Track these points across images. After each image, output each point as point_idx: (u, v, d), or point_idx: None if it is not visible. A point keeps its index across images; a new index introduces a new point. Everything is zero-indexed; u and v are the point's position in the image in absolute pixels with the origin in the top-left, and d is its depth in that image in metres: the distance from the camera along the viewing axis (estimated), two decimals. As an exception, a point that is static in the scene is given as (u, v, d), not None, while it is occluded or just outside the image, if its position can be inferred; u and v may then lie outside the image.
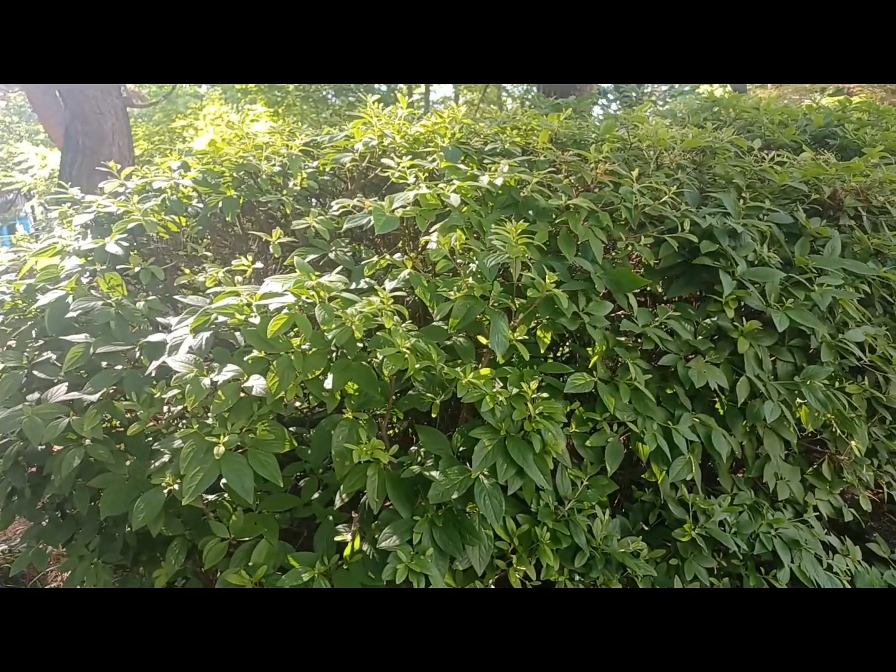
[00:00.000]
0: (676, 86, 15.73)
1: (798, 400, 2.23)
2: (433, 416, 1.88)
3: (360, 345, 1.81)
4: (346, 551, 1.75)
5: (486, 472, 1.72)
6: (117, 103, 6.51)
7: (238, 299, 1.75)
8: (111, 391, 1.95)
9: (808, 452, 2.60)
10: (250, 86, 11.67)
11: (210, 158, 2.67)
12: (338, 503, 1.87)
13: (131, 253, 2.27)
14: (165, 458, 1.82)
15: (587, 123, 3.07)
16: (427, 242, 1.99)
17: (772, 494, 2.31)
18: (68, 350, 1.92)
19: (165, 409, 1.89)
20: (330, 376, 1.77)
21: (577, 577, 1.95)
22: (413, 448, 1.96)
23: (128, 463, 1.91)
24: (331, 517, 1.90)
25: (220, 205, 2.37)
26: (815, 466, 2.51)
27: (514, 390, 1.79)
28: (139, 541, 2.01)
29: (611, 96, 15.73)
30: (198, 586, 1.98)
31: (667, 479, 2.07)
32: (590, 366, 2.11)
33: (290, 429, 2.15)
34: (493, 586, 1.88)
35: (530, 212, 2.20)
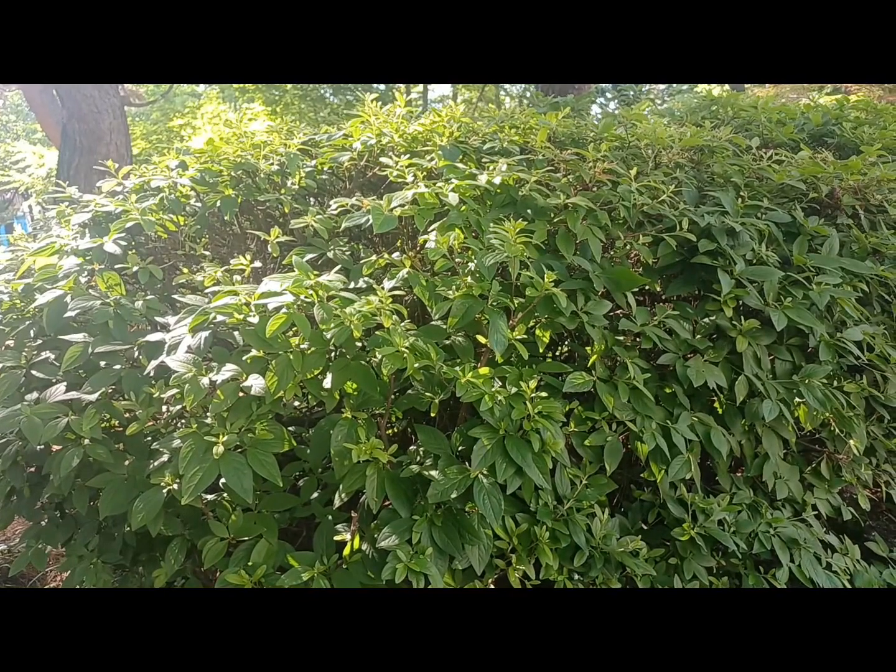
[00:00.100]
0: (674, 85, 15.73)
1: (797, 399, 2.23)
2: (432, 415, 1.88)
3: (359, 344, 1.81)
4: (346, 551, 1.75)
5: (485, 472, 1.72)
6: (115, 102, 6.50)
7: (236, 299, 1.75)
8: (110, 391, 1.95)
9: (807, 451, 2.61)
10: (248, 85, 11.66)
11: (208, 157, 2.67)
12: (337, 503, 1.87)
13: (129, 252, 2.27)
14: (164, 458, 1.82)
15: (585, 122, 3.07)
16: (425, 241, 1.99)
17: (770, 493, 2.32)
18: (66, 349, 1.91)
19: (164, 408, 1.89)
20: (329, 376, 1.77)
21: (576, 577, 1.95)
22: (412, 447, 1.96)
23: (127, 463, 1.90)
24: (330, 517, 1.90)
25: (218, 204, 2.36)
26: (813, 465, 2.52)
27: (513, 389, 1.79)
28: (138, 540, 2.01)
29: (609, 95, 15.74)
30: (197, 586, 1.98)
31: (666, 478, 2.07)
32: (588, 365, 2.11)
33: (290, 428, 2.15)
34: (492, 586, 1.88)
35: (529, 211, 2.20)
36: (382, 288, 1.80)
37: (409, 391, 1.96)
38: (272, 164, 2.58)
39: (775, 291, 2.25)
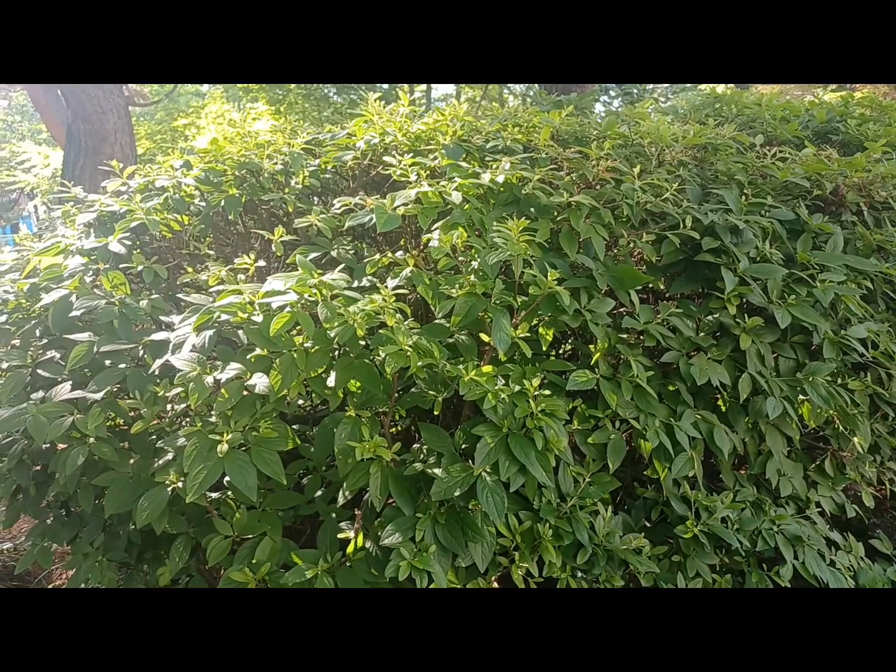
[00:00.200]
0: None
1: (800, 396, 2.23)
2: (435, 413, 1.89)
3: (363, 343, 1.81)
4: (349, 548, 1.76)
5: (488, 470, 1.72)
6: (119, 102, 6.53)
7: (241, 298, 1.75)
8: (115, 389, 1.96)
9: (811, 449, 2.60)
10: (252, 84, 11.67)
11: (212, 157, 2.67)
12: (341, 501, 1.87)
13: (134, 252, 2.28)
14: (169, 456, 1.83)
15: (589, 120, 3.07)
16: (429, 240, 1.99)
17: (774, 491, 2.32)
18: (72, 349, 1.92)
19: (169, 407, 1.90)
20: (332, 374, 1.78)
21: (579, 574, 1.95)
22: (415, 445, 1.96)
23: (132, 461, 1.91)
24: (334, 514, 1.91)
25: (222, 203, 2.37)
26: (817, 463, 2.51)
27: (517, 387, 1.79)
28: (143, 538, 2.02)
29: (612, 93, 15.70)
30: (201, 584, 1.99)
31: (669, 476, 2.08)
32: (592, 363, 2.11)
33: (293, 427, 2.15)
34: (495, 583, 1.89)
35: (532, 209, 2.20)
36: (386, 286, 1.81)
37: (413, 389, 1.96)
38: (276, 163, 2.59)
39: (779, 289, 2.25)
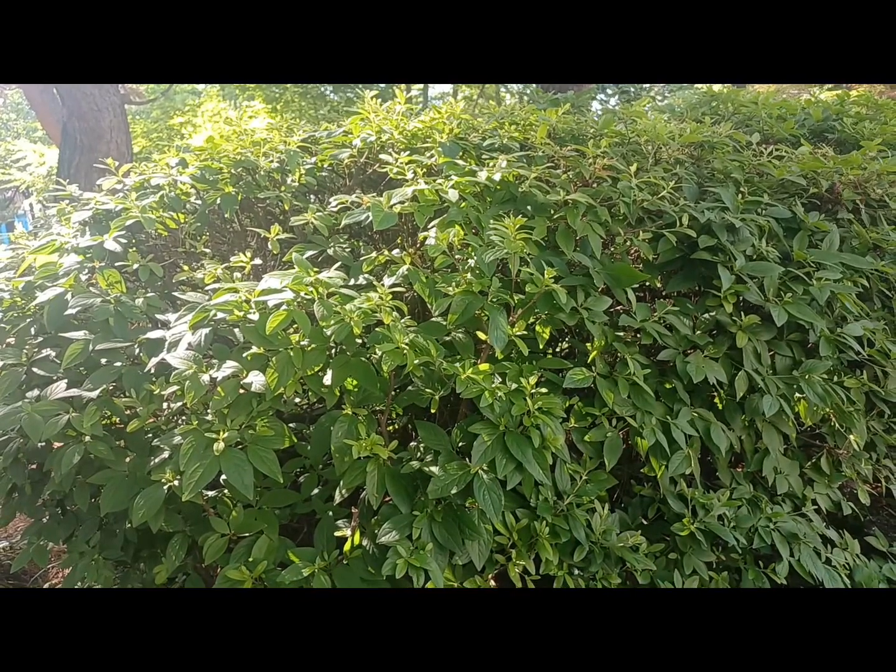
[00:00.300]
0: (675, 81, 15.67)
1: (797, 394, 2.23)
2: (432, 411, 1.89)
3: (359, 341, 1.81)
4: (346, 546, 1.76)
5: (485, 467, 1.72)
6: (115, 100, 6.50)
7: (237, 296, 1.75)
8: (111, 388, 1.96)
9: (807, 446, 2.61)
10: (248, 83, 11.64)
11: (208, 155, 2.67)
12: (337, 499, 1.87)
13: (130, 250, 2.27)
14: (165, 455, 1.82)
15: (586, 118, 3.06)
16: (425, 238, 1.99)
17: (770, 488, 2.32)
18: (67, 347, 1.92)
19: (165, 405, 1.90)
20: (329, 372, 1.78)
21: (576, 572, 1.95)
22: (412, 444, 1.96)
23: (127, 459, 1.91)
24: (331, 513, 1.91)
25: (218, 201, 2.36)
26: (813, 460, 2.52)
27: (513, 385, 1.79)
28: (140, 537, 2.02)
29: (609, 91, 15.70)
30: (198, 582, 1.99)
31: (666, 474, 2.08)
32: (588, 361, 2.11)
33: (290, 425, 2.15)
34: (492, 581, 1.89)
35: (529, 207, 2.20)
36: (382, 285, 1.80)
37: (410, 387, 1.96)
38: (272, 161, 2.58)
39: (775, 287, 2.25)
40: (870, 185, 2.71)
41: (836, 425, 2.41)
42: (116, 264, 2.21)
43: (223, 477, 1.64)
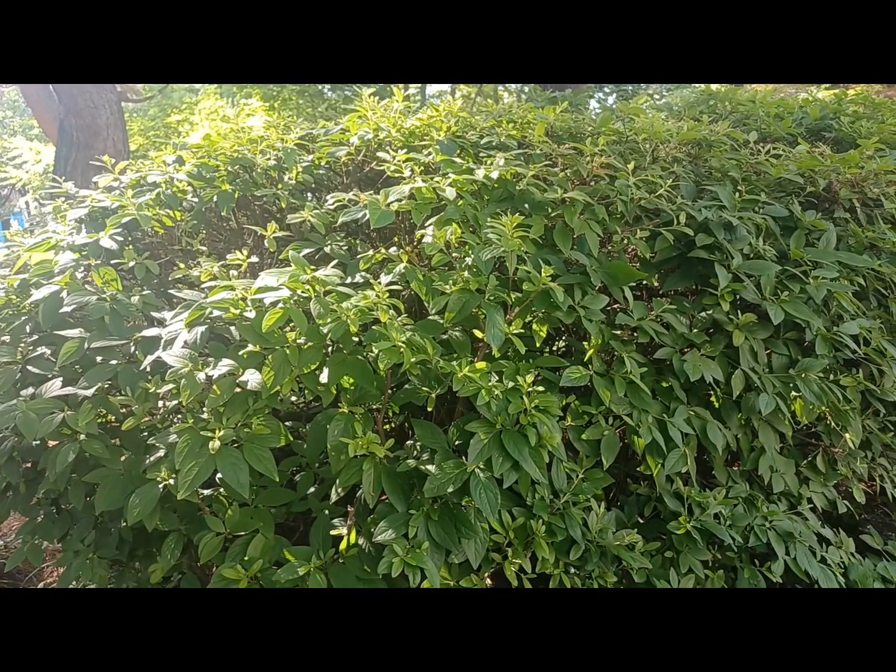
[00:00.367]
0: (673, 79, 15.65)
1: (793, 393, 2.24)
2: (429, 409, 1.89)
3: (356, 339, 1.80)
4: (342, 545, 1.75)
5: (481, 466, 1.72)
6: (112, 98, 6.48)
7: (233, 294, 1.74)
8: (106, 386, 1.95)
9: (803, 445, 2.61)
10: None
11: (205, 152, 2.66)
12: (334, 497, 1.87)
13: (126, 247, 2.27)
14: (160, 453, 1.81)
15: (583, 116, 3.07)
16: (423, 236, 1.98)
17: (766, 487, 2.32)
18: (62, 345, 1.91)
19: (160, 403, 1.89)
20: (325, 370, 1.77)
21: (572, 571, 1.95)
22: (409, 442, 1.96)
23: (123, 458, 1.90)
24: (327, 511, 1.90)
25: (215, 199, 2.36)
26: (809, 459, 2.52)
27: (510, 384, 1.79)
28: (135, 536, 2.01)
29: (607, 90, 15.67)
30: (193, 581, 1.98)
31: (662, 472, 2.08)
32: (585, 359, 2.11)
33: (286, 423, 2.15)
34: (488, 580, 1.89)
35: (526, 205, 2.20)
36: (379, 283, 1.80)
37: (406, 386, 1.96)
38: (269, 158, 2.58)
39: (772, 285, 2.25)
40: (867, 185, 2.72)
41: (832, 424, 2.41)
42: (112, 262, 2.20)
43: (219, 475, 1.63)
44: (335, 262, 2.08)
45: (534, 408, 1.77)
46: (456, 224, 1.94)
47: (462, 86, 15.65)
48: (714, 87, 4.45)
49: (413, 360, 1.67)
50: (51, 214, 2.77)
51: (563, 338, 2.56)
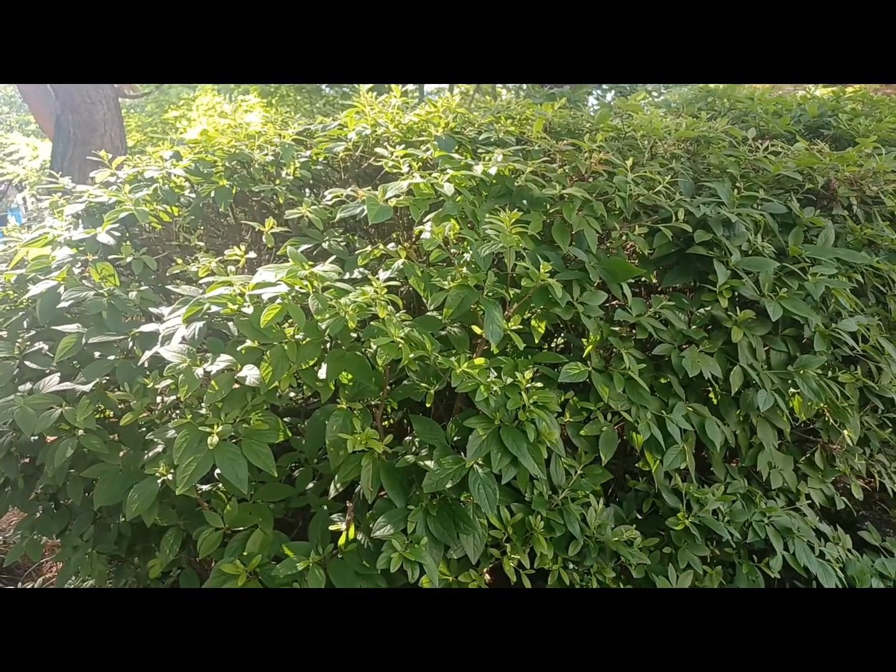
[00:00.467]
0: (671, 77, 15.62)
1: (791, 389, 2.24)
2: (427, 405, 1.88)
3: (354, 335, 1.80)
4: (341, 540, 1.75)
5: (480, 462, 1.72)
6: (109, 93, 6.46)
7: (231, 289, 1.74)
8: (104, 381, 1.95)
9: (801, 441, 2.62)
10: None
11: (202, 148, 2.65)
12: (332, 493, 1.87)
13: (123, 243, 2.26)
14: (159, 449, 1.81)
15: (582, 113, 3.06)
16: (421, 232, 1.98)
17: (765, 483, 2.33)
18: (60, 340, 1.91)
19: (159, 399, 1.89)
20: (324, 366, 1.77)
21: (570, 566, 1.96)
22: (407, 438, 1.96)
23: (121, 453, 1.90)
24: (325, 507, 1.90)
25: (212, 194, 2.35)
26: (807, 455, 2.53)
27: (509, 380, 1.79)
28: (133, 531, 2.01)
29: (605, 87, 15.67)
30: (192, 576, 1.98)
31: (660, 468, 2.08)
32: (584, 355, 2.11)
33: (285, 419, 2.15)
34: (487, 575, 1.89)
35: (524, 201, 2.20)
36: (378, 279, 1.80)
37: (405, 382, 1.96)
38: (267, 154, 2.57)
39: (771, 282, 2.25)
40: (865, 182, 2.72)
41: (831, 420, 2.42)
42: (110, 257, 2.20)
43: (217, 471, 1.63)
44: (333, 257, 2.08)
45: (532, 404, 1.77)
46: (454, 220, 1.94)
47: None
48: (712, 84, 4.45)
49: (411, 356, 1.67)
50: (48, 210, 2.76)
51: (562, 334, 2.56)
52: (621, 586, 2.00)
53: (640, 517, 2.24)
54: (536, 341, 2.07)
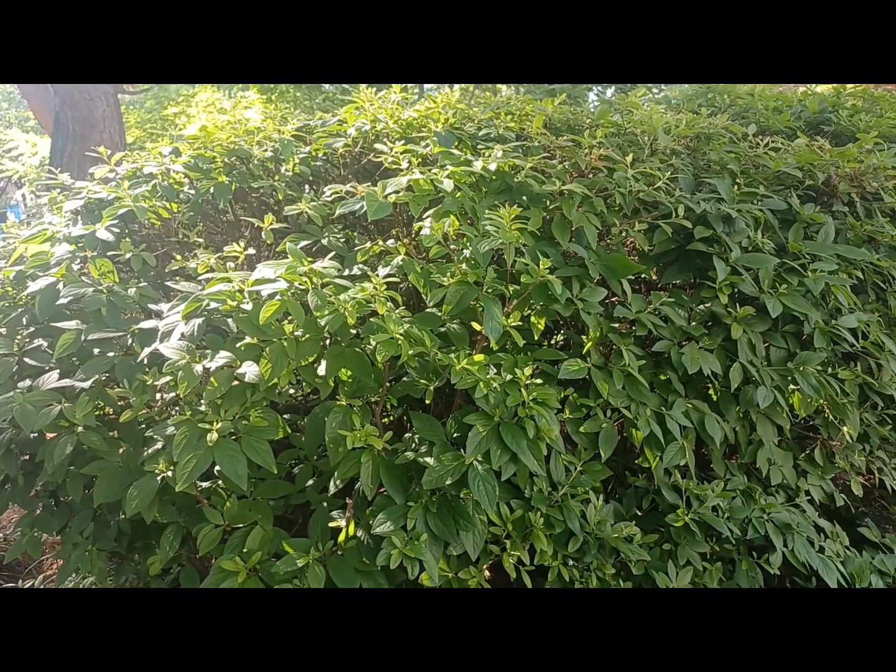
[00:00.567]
0: (672, 72, 15.59)
1: (791, 386, 2.24)
2: (427, 402, 1.88)
3: (354, 331, 1.80)
4: (341, 537, 1.75)
5: (479, 458, 1.72)
6: (108, 90, 6.44)
7: (230, 285, 1.74)
8: (103, 378, 1.94)
9: (801, 438, 2.62)
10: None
11: (201, 144, 2.64)
12: (332, 490, 1.87)
13: (122, 239, 2.25)
14: (158, 445, 1.81)
15: (582, 109, 3.06)
16: (420, 228, 1.98)
17: (764, 480, 2.33)
18: (59, 337, 1.90)
19: (158, 395, 1.89)
20: (323, 363, 1.77)
21: (570, 563, 1.96)
22: (407, 435, 1.96)
23: (121, 450, 1.90)
24: (325, 503, 1.90)
25: (211, 191, 2.34)
26: (807, 452, 2.53)
27: (508, 376, 1.79)
28: (133, 528, 2.01)
29: (606, 83, 15.63)
30: (192, 573, 1.98)
31: (660, 465, 2.08)
32: (584, 352, 2.11)
33: (284, 416, 2.14)
34: (486, 571, 1.89)
35: (524, 197, 2.19)
36: (377, 275, 1.79)
37: (404, 378, 1.95)
38: (266, 150, 2.56)
39: (770, 278, 2.25)
40: (865, 178, 2.71)
41: (830, 417, 2.42)
42: (109, 254, 2.19)
43: (217, 468, 1.63)
44: (333, 254, 2.08)
45: (532, 400, 1.77)
46: (454, 216, 1.94)
47: (460, 79, 15.59)
48: (713, 80, 4.44)
49: (411, 352, 1.67)
50: (47, 206, 2.75)
51: (562, 330, 2.56)
52: (621, 583, 2.01)
53: (639, 514, 2.24)
54: (536, 338, 2.07)
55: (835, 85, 4.56)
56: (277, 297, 1.65)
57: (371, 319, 1.69)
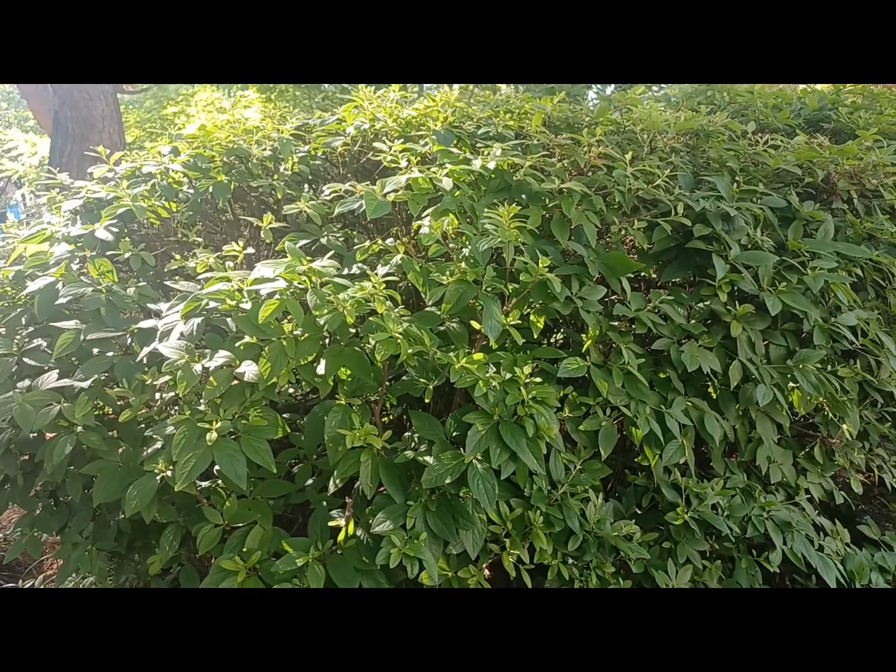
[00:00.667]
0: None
1: (790, 383, 2.24)
2: (426, 401, 1.88)
3: (353, 330, 1.80)
4: (340, 536, 1.75)
5: (479, 457, 1.72)
6: (107, 89, 6.44)
7: (229, 285, 1.73)
8: (102, 378, 1.94)
9: (801, 436, 2.62)
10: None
11: (200, 143, 2.64)
12: (332, 489, 1.87)
13: (121, 239, 2.25)
14: (158, 445, 1.81)
15: (581, 107, 3.05)
16: (419, 227, 1.98)
17: (764, 478, 2.33)
18: (58, 337, 1.90)
19: (157, 395, 1.89)
20: (322, 362, 1.77)
21: (570, 561, 1.96)
22: (407, 433, 1.96)
23: (120, 450, 1.90)
24: (325, 503, 1.90)
25: (210, 190, 2.34)
26: (807, 450, 2.52)
27: (508, 375, 1.79)
28: (133, 528, 2.01)
29: (605, 81, 15.62)
30: (192, 573, 1.99)
31: (660, 463, 2.08)
32: (583, 350, 2.11)
33: (284, 415, 2.14)
34: (486, 570, 1.89)
35: (523, 196, 2.19)
36: (376, 274, 1.79)
37: (404, 377, 1.95)
38: (265, 149, 2.56)
39: (770, 276, 2.25)
40: (865, 176, 2.71)
41: (830, 415, 2.42)
42: (108, 253, 2.19)
43: (216, 467, 1.63)
44: (332, 253, 2.08)
45: (531, 399, 1.77)
46: (453, 215, 1.94)
47: (459, 77, 15.57)
48: (712, 78, 4.43)
49: (410, 351, 1.67)
50: (46, 206, 2.75)
51: (561, 329, 2.56)
52: (621, 581, 2.01)
53: (639, 512, 2.24)
54: (535, 336, 2.07)
55: (834, 82, 4.55)
56: (276, 296, 1.65)
57: (370, 318, 1.69)
